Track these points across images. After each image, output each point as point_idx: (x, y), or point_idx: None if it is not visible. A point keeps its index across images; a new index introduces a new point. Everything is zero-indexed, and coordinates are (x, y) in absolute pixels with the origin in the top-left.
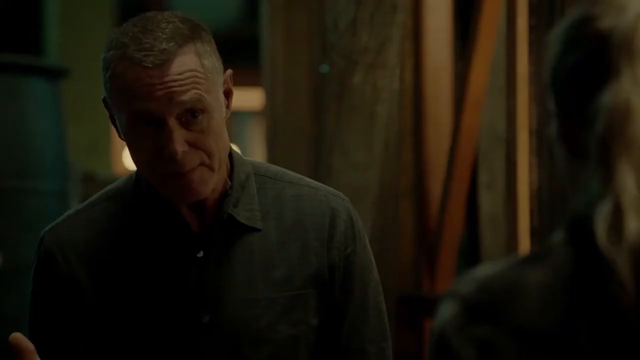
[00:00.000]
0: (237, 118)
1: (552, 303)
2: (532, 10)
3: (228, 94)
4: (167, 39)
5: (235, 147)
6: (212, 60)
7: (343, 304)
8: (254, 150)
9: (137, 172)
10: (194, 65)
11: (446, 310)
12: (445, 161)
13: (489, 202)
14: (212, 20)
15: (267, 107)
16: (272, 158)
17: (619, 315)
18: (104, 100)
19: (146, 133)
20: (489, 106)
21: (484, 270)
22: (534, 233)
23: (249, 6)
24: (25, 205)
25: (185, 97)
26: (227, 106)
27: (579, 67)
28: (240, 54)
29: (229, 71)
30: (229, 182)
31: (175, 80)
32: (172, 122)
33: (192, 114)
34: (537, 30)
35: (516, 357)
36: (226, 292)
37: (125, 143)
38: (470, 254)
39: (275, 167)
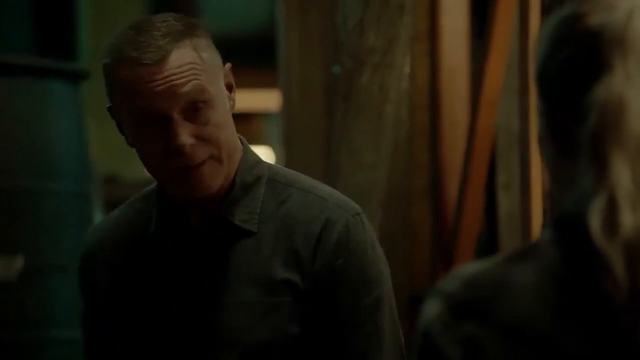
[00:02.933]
0: (268, 120)
1: (540, 301)
2: (545, 11)
3: (230, 88)
4: (163, 35)
5: (267, 149)
6: (210, 52)
7: (331, 317)
8: None
9: None
10: (192, 58)
11: (431, 308)
12: (461, 161)
13: (507, 202)
14: (242, 23)
15: (283, 107)
16: (288, 158)
17: (610, 312)
18: (109, 109)
19: (153, 133)
20: (505, 106)
21: (470, 268)
22: None
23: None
24: (45, 207)
25: (187, 88)
26: (231, 99)
27: (569, 63)
28: (270, 56)
29: (228, 65)
30: (233, 184)
31: (175, 74)
32: (176, 117)
33: (194, 107)
34: None
35: (503, 355)
36: (210, 290)
37: (135, 149)
38: (489, 254)
39: (290, 173)
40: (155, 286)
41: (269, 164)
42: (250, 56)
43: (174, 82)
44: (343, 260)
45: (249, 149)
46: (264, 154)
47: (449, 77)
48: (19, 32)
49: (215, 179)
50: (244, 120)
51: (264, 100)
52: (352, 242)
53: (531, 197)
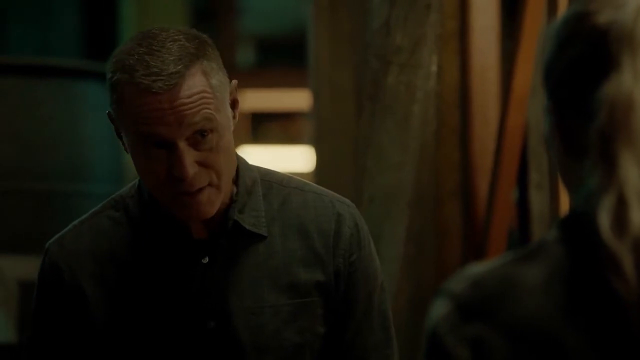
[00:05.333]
0: (309, 119)
1: (548, 300)
2: None
3: (235, 104)
4: (175, 60)
5: (308, 148)
6: (219, 77)
7: (347, 310)
8: None
9: (140, 180)
10: (202, 86)
11: (439, 309)
12: (492, 160)
13: (539, 202)
14: (284, 23)
15: (313, 108)
16: (318, 159)
17: (619, 311)
18: (109, 114)
19: (155, 154)
20: (537, 105)
21: (477, 268)
22: None
23: None
24: (79, 209)
25: (196, 118)
26: (234, 116)
27: (578, 61)
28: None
29: (234, 81)
30: (235, 188)
31: (185, 104)
32: (182, 145)
33: (201, 134)
34: None
35: (510, 355)
36: (232, 298)
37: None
38: None
39: (281, 174)
40: (171, 295)
41: (256, 166)
42: (291, 55)
43: (183, 112)
44: (356, 255)
45: (237, 153)
46: (305, 153)
47: (480, 76)
48: (64, 34)
49: (211, 206)
50: (285, 119)
51: (304, 99)
52: (361, 236)
53: (560, 196)
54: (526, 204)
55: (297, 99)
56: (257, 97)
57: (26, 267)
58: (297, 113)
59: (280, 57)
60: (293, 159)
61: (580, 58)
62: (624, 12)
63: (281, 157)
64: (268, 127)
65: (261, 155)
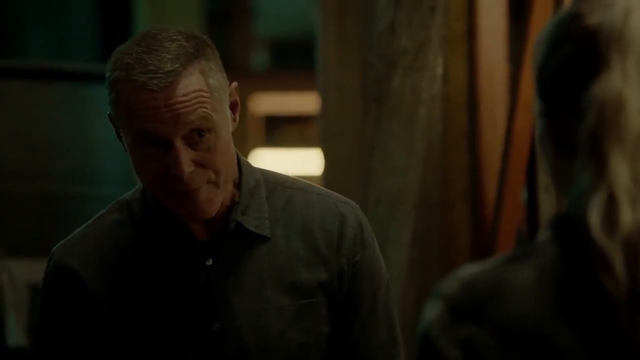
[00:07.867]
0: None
1: (539, 300)
2: None
3: (234, 107)
4: (172, 59)
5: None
6: (217, 77)
7: (352, 310)
8: None
9: None
10: (199, 85)
11: (431, 311)
12: (500, 162)
13: (548, 204)
14: (299, 26)
15: (320, 110)
16: (326, 162)
17: (609, 310)
18: (109, 116)
19: (152, 153)
20: None
21: (469, 269)
22: None
23: None
24: (90, 212)
25: (192, 117)
26: (234, 119)
27: (568, 62)
28: None
29: (234, 84)
30: (237, 190)
31: (180, 102)
32: (179, 143)
33: (198, 133)
34: None
35: (502, 356)
36: (236, 300)
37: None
38: None
39: (284, 175)
40: (176, 297)
41: (259, 168)
42: (306, 58)
43: (179, 110)
44: (360, 254)
45: (240, 154)
46: (318, 156)
47: (488, 78)
48: (80, 37)
49: (211, 204)
50: (299, 122)
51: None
52: (364, 236)
53: None
54: (535, 206)
55: (311, 102)
56: (271, 100)
57: (36, 270)
58: (311, 116)
59: (295, 60)
60: (307, 162)
61: (572, 59)
62: (613, 13)
63: (295, 160)
64: (282, 130)
65: (275, 159)
